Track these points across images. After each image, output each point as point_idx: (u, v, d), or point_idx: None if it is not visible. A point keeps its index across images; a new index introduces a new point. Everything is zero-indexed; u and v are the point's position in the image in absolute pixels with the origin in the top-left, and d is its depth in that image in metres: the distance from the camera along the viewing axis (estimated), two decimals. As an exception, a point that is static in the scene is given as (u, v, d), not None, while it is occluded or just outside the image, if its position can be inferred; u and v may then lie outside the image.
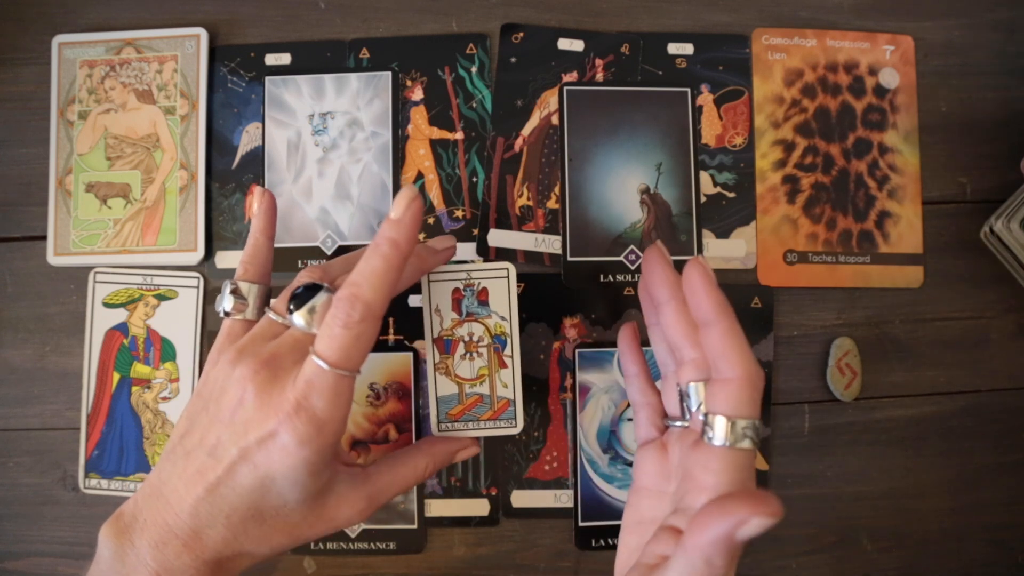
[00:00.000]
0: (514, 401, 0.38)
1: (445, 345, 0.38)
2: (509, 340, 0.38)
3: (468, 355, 0.38)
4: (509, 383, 0.38)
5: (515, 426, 0.38)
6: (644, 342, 0.40)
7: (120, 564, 0.30)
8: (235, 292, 0.35)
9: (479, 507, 0.45)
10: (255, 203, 0.37)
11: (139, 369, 0.45)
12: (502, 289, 0.38)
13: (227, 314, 0.35)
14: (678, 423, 0.33)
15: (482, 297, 0.38)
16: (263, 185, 0.46)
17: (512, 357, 0.38)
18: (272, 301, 0.34)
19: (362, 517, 0.34)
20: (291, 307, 0.32)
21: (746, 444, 0.28)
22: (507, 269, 0.38)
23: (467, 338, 0.38)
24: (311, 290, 0.32)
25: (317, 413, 0.29)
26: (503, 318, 0.38)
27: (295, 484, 0.30)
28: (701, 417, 0.30)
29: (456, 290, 0.38)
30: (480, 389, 0.38)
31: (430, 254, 0.38)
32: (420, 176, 0.46)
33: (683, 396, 0.31)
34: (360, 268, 0.31)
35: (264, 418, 0.30)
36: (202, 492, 0.30)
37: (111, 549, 0.31)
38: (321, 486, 0.32)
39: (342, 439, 0.44)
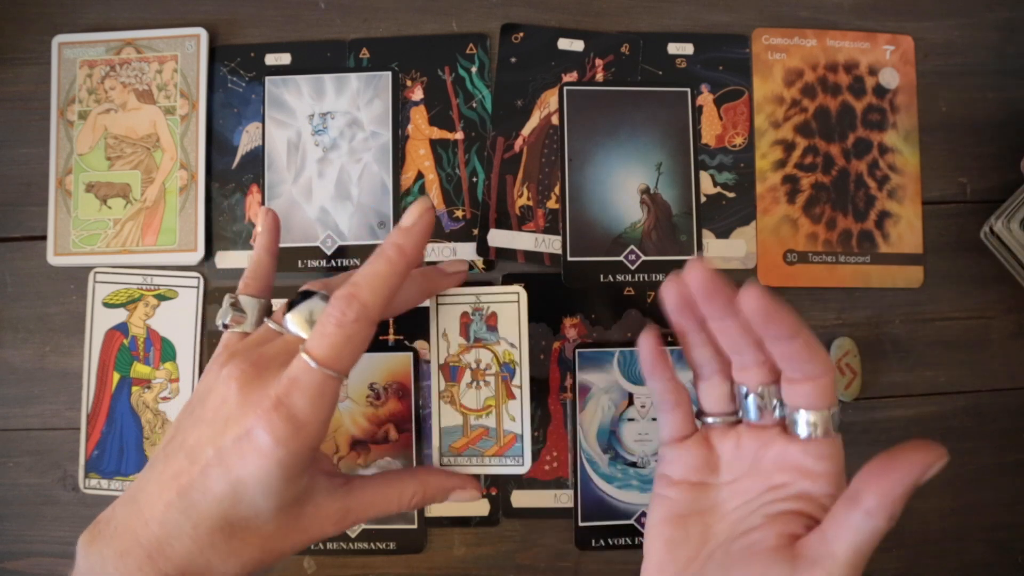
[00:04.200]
0: (522, 436, 0.36)
1: (451, 372, 0.36)
2: (519, 369, 0.36)
3: (475, 383, 0.36)
4: (517, 416, 0.36)
5: (522, 465, 0.36)
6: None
7: (89, 573, 0.30)
8: (235, 305, 0.35)
9: (479, 507, 0.45)
10: (259, 222, 0.37)
11: (139, 369, 0.45)
12: (512, 314, 0.36)
13: (226, 326, 0.35)
14: (717, 419, 0.33)
15: (491, 322, 0.36)
16: (263, 185, 0.46)
17: (521, 388, 0.36)
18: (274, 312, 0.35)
19: (337, 529, 0.33)
20: (286, 312, 0.32)
21: (840, 428, 0.30)
22: (518, 294, 0.36)
23: (474, 365, 0.36)
24: (307, 296, 0.33)
25: (297, 412, 0.29)
26: (512, 345, 0.36)
27: (268, 491, 0.29)
28: (779, 413, 0.31)
29: (464, 314, 0.36)
30: (486, 421, 0.36)
31: (440, 276, 0.37)
32: (420, 176, 0.46)
33: (753, 396, 0.31)
34: (362, 270, 0.31)
35: (242, 415, 0.29)
36: (174, 496, 0.29)
37: (83, 557, 0.30)
38: (297, 495, 0.31)
39: (343, 439, 0.44)
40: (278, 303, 0.36)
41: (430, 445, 0.37)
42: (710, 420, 0.33)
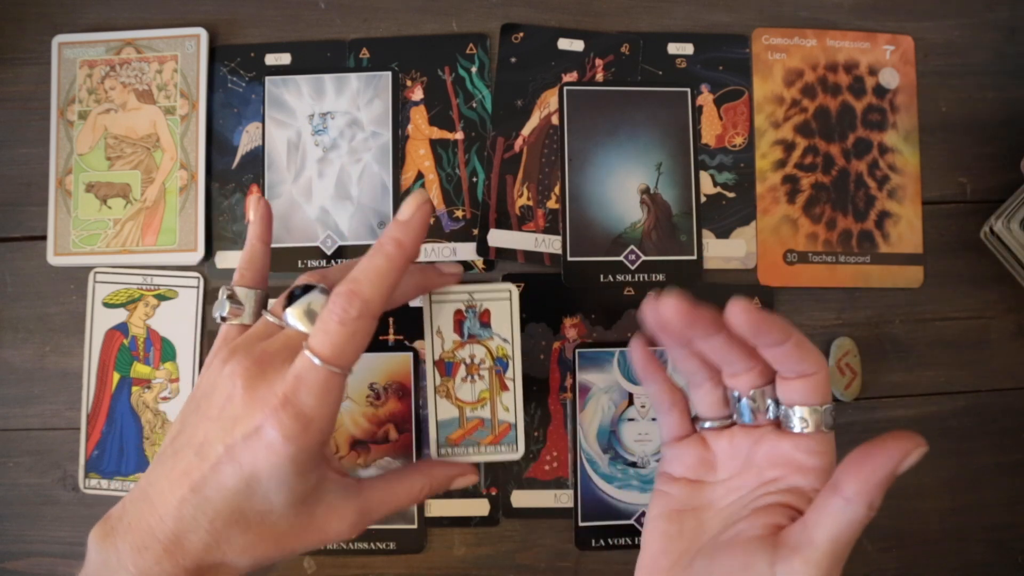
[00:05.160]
0: (515, 425, 0.37)
1: (446, 367, 0.37)
2: (511, 363, 0.37)
3: (469, 378, 0.37)
4: (511, 407, 0.37)
5: (516, 451, 0.38)
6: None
7: (103, 568, 0.30)
8: (231, 297, 0.35)
9: (479, 507, 0.45)
10: (251, 211, 0.37)
11: (139, 369, 0.45)
12: (505, 311, 0.37)
13: (223, 319, 0.35)
14: (713, 423, 0.33)
15: (484, 319, 0.37)
16: (263, 185, 0.46)
17: (514, 380, 0.37)
18: (271, 303, 0.34)
19: (353, 532, 0.33)
20: (285, 306, 0.32)
21: (833, 425, 0.30)
22: (510, 291, 0.37)
23: (468, 360, 0.37)
24: (306, 290, 0.33)
25: (304, 409, 0.29)
26: (505, 340, 0.37)
27: (281, 485, 0.30)
28: (772, 415, 0.31)
29: (458, 311, 0.37)
30: (481, 413, 0.37)
31: (435, 274, 0.37)
32: (420, 176, 0.46)
33: (746, 399, 0.32)
34: (362, 266, 0.31)
35: (250, 413, 0.29)
36: (187, 492, 0.29)
37: (96, 552, 0.30)
38: (308, 491, 0.31)
39: (343, 439, 0.45)
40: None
41: (428, 444, 0.38)
42: (706, 424, 0.34)
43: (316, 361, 0.29)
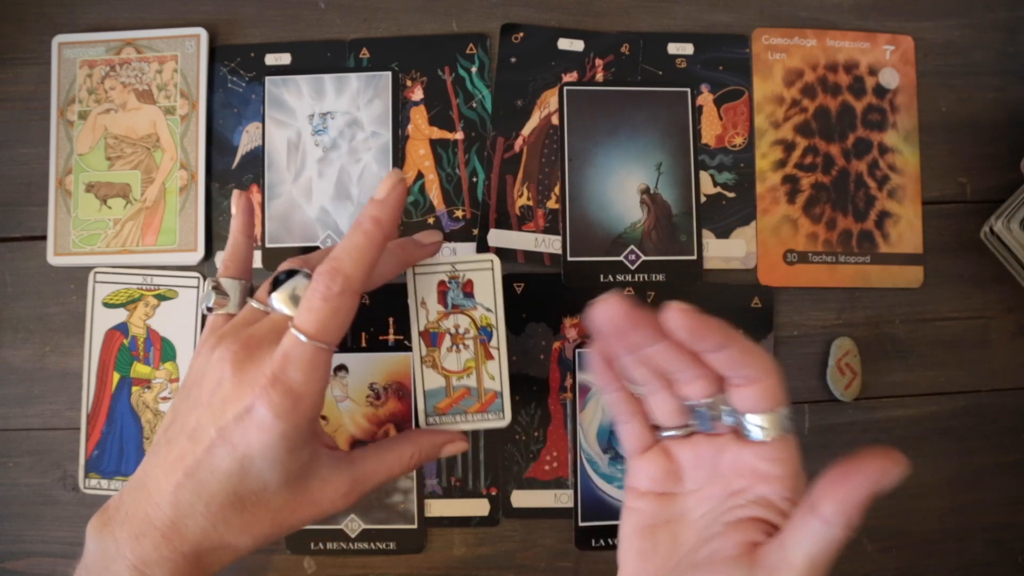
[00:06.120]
0: (501, 393, 0.38)
1: (431, 338, 0.38)
2: (495, 332, 0.38)
3: (454, 347, 0.38)
4: (496, 375, 0.38)
5: (503, 418, 0.38)
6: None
7: (101, 557, 0.30)
8: (217, 288, 0.35)
9: (479, 507, 0.45)
10: (233, 205, 0.38)
11: (139, 369, 0.45)
12: (487, 281, 0.38)
13: (210, 309, 0.35)
14: (673, 432, 0.33)
15: (467, 289, 0.38)
16: (263, 185, 0.46)
17: (499, 349, 0.38)
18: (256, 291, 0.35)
19: (346, 502, 0.34)
20: (270, 292, 0.33)
21: (791, 429, 0.30)
22: (491, 261, 0.38)
23: (453, 330, 0.38)
24: (290, 275, 0.33)
25: (293, 386, 0.30)
26: (489, 310, 0.38)
27: (274, 463, 0.30)
28: (730, 421, 0.30)
29: (441, 282, 0.38)
30: (467, 382, 0.38)
31: (416, 247, 0.38)
32: (420, 176, 0.46)
33: (698, 409, 0.31)
34: (342, 244, 0.32)
35: (241, 394, 0.30)
36: (181, 477, 0.30)
37: (95, 542, 0.31)
38: (301, 466, 0.32)
39: (343, 439, 0.45)
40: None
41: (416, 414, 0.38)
42: (666, 434, 0.33)
43: (302, 338, 0.30)
